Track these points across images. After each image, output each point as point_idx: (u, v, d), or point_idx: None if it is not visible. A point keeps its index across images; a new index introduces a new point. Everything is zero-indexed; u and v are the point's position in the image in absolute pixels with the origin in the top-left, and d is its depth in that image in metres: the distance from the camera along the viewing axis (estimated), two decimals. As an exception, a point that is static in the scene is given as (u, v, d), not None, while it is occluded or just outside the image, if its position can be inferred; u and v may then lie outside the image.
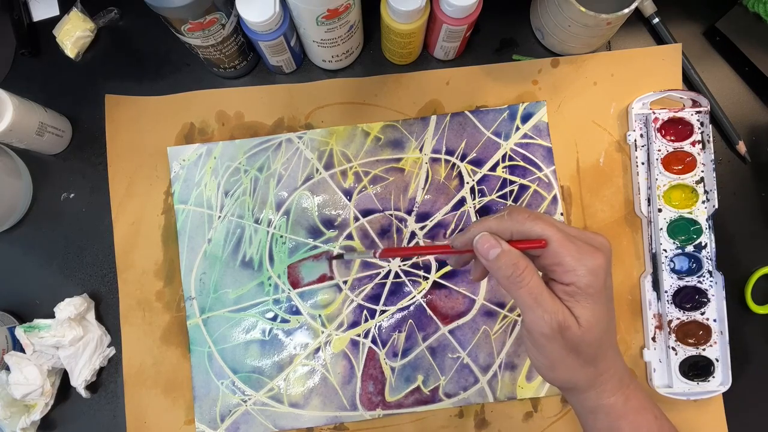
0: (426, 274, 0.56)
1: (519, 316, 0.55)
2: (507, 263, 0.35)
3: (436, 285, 0.56)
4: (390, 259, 0.56)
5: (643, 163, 0.56)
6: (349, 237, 0.56)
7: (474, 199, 0.57)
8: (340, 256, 0.43)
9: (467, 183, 0.57)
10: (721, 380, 0.53)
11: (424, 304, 0.56)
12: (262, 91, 0.58)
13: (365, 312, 0.56)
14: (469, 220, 0.57)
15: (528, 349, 0.38)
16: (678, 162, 0.55)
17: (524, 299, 0.35)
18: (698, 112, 0.55)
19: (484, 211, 0.57)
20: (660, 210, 0.54)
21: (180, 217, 0.57)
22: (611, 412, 0.37)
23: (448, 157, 0.57)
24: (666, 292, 0.54)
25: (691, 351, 0.53)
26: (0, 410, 0.52)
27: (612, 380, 0.37)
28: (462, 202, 0.57)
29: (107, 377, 0.56)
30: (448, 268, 0.56)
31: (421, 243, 0.56)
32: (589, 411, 0.38)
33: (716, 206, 0.54)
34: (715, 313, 0.53)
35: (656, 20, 0.58)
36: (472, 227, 0.37)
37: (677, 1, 0.59)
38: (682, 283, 0.54)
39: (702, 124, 0.55)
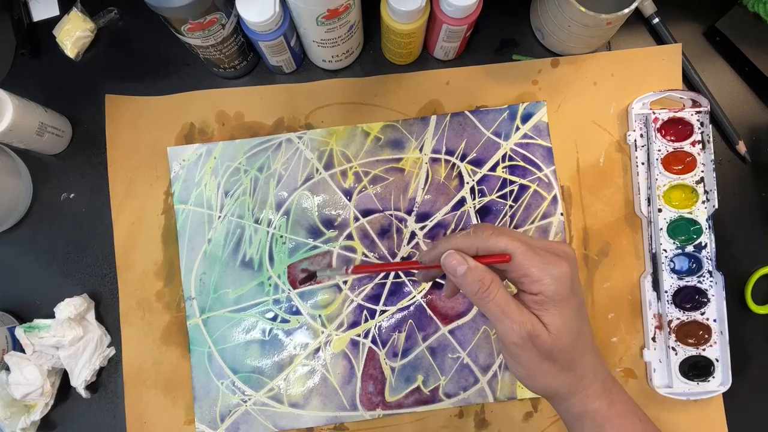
0: (426, 274, 0.56)
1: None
2: (473, 279, 0.36)
3: (436, 285, 0.56)
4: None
5: (643, 163, 0.56)
6: (349, 237, 0.56)
7: (474, 199, 0.57)
8: (311, 276, 0.44)
9: (467, 183, 0.57)
10: (721, 380, 0.53)
11: (424, 304, 0.56)
12: (262, 91, 0.58)
13: (365, 312, 0.56)
14: (469, 220, 0.57)
15: (507, 361, 0.39)
16: (678, 162, 0.55)
17: (492, 312, 0.36)
18: (698, 112, 0.55)
19: (484, 211, 0.57)
20: (660, 210, 0.54)
21: (180, 217, 0.57)
22: (596, 417, 0.38)
23: (448, 157, 0.57)
24: (666, 292, 0.54)
25: (691, 351, 0.53)
26: (0, 410, 0.52)
27: (594, 385, 0.38)
28: (462, 202, 0.57)
29: (107, 377, 0.56)
30: (448, 268, 0.56)
31: (421, 243, 0.56)
32: (575, 417, 0.39)
33: (716, 206, 0.54)
34: (715, 313, 0.53)
35: (656, 20, 0.58)
36: (440, 244, 0.38)
37: (677, 1, 0.59)
38: (682, 283, 0.54)
39: (702, 124, 0.55)
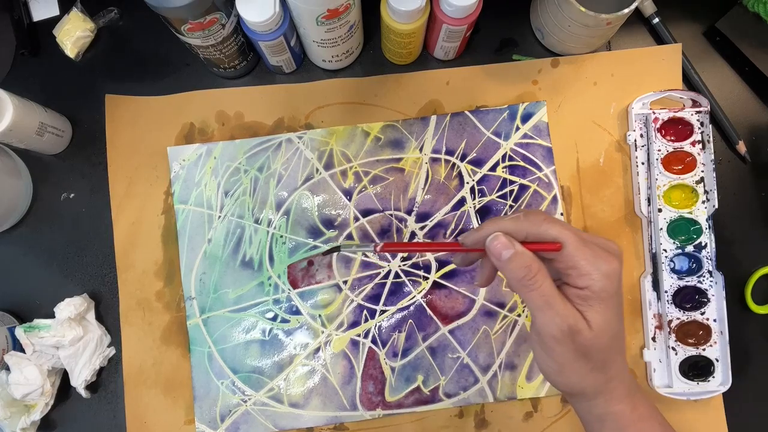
0: (426, 274, 0.56)
1: (518, 316, 0.55)
2: (519, 265, 0.35)
3: (436, 285, 0.56)
4: (389, 255, 0.56)
5: (643, 163, 0.56)
6: (349, 237, 0.56)
7: (474, 199, 0.57)
8: (336, 249, 0.42)
9: (467, 183, 0.57)
10: (721, 380, 0.53)
11: (424, 304, 0.56)
12: (262, 91, 0.58)
13: (365, 312, 0.56)
14: (469, 220, 0.57)
15: (536, 353, 0.38)
16: (678, 162, 0.55)
17: (536, 302, 0.35)
18: (698, 112, 0.55)
19: (484, 211, 0.57)
20: (660, 210, 0.54)
21: (180, 217, 0.57)
22: (619, 420, 0.37)
23: (448, 157, 0.57)
24: (666, 292, 0.54)
25: (691, 351, 0.53)
26: (0, 410, 0.52)
27: (620, 387, 0.37)
28: (462, 202, 0.57)
29: (107, 377, 0.56)
30: (448, 268, 0.56)
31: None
32: (596, 418, 0.38)
33: (716, 206, 0.54)
34: (715, 313, 0.53)
35: (656, 20, 0.58)
36: (485, 226, 0.37)
37: (677, 1, 0.59)
38: (682, 283, 0.54)
39: (702, 124, 0.55)
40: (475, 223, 0.56)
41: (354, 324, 0.56)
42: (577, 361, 0.36)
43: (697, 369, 0.53)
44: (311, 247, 0.56)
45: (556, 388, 0.40)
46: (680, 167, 0.55)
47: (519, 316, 0.55)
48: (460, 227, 0.56)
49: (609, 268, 0.35)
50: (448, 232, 0.56)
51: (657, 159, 0.55)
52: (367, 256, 0.56)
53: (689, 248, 0.54)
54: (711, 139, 0.54)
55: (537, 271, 0.35)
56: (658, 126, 0.55)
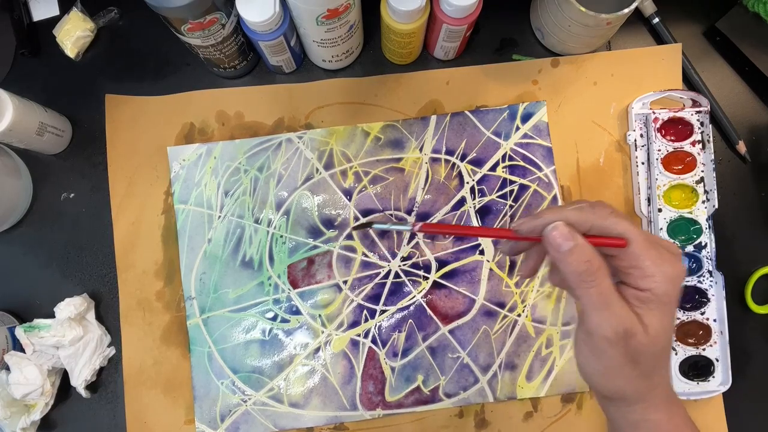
0: (426, 274, 0.56)
1: (518, 316, 0.55)
2: (580, 259, 0.33)
3: (436, 285, 0.56)
4: (389, 255, 0.56)
5: (643, 163, 0.56)
6: (349, 237, 0.56)
7: (474, 199, 0.57)
8: (367, 225, 0.39)
9: (467, 183, 0.57)
10: (721, 380, 0.53)
11: (424, 304, 0.56)
12: (262, 91, 0.58)
13: (365, 312, 0.56)
14: (469, 220, 0.56)
15: (581, 353, 0.36)
16: (678, 162, 0.55)
17: (593, 300, 0.33)
18: (698, 112, 0.55)
19: (484, 211, 0.57)
20: (660, 210, 0.54)
21: (180, 217, 0.57)
22: (654, 428, 0.36)
23: (448, 157, 0.57)
24: (666, 292, 0.54)
25: (691, 351, 0.53)
26: (0, 410, 0.52)
27: (661, 395, 0.36)
28: (462, 202, 0.57)
29: (107, 377, 0.56)
30: (448, 268, 0.56)
31: (421, 243, 0.56)
32: (630, 425, 0.36)
33: (716, 206, 0.54)
34: (715, 313, 0.53)
35: (656, 20, 0.58)
36: (544, 214, 0.35)
37: (677, 1, 0.59)
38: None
39: (702, 124, 0.55)
40: (475, 223, 0.56)
41: (354, 324, 0.56)
42: (625, 365, 0.34)
43: (697, 369, 0.53)
44: (311, 247, 0.56)
45: (595, 390, 0.38)
46: (680, 167, 0.55)
47: (519, 316, 0.55)
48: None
49: (674, 271, 0.33)
50: (448, 232, 0.56)
51: (657, 159, 0.55)
52: (366, 256, 0.56)
53: (689, 248, 0.54)
54: (711, 139, 0.54)
55: (598, 268, 0.33)
56: (658, 126, 0.55)
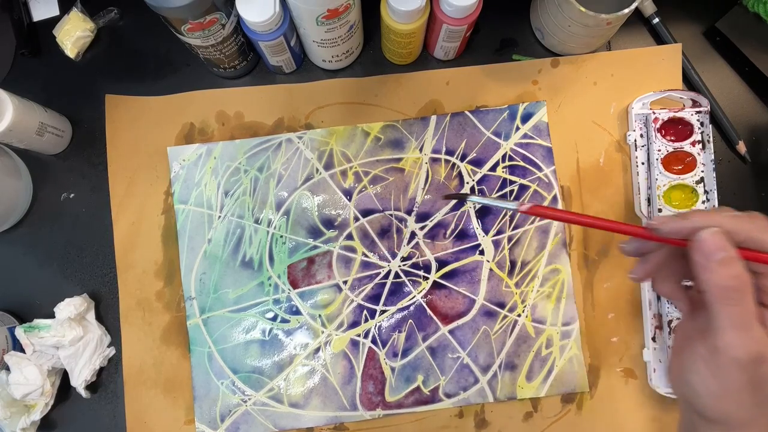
0: (426, 274, 0.56)
1: (518, 316, 0.55)
2: (731, 274, 0.31)
3: (436, 285, 0.56)
4: (388, 255, 0.56)
5: (643, 163, 0.56)
6: (349, 237, 0.56)
7: (474, 199, 0.57)
8: (462, 196, 0.35)
9: (467, 183, 0.57)
10: (721, 380, 0.53)
11: (424, 304, 0.56)
12: (262, 91, 0.58)
13: (365, 312, 0.56)
14: (469, 219, 0.56)
15: (694, 370, 0.33)
16: (678, 162, 0.55)
17: (733, 318, 0.31)
18: (698, 112, 0.55)
19: (484, 211, 0.56)
20: (660, 210, 0.54)
21: (180, 217, 0.57)
22: None
23: (448, 157, 0.57)
24: (666, 292, 0.54)
25: (691, 351, 0.53)
26: (0, 410, 0.52)
27: (765, 426, 0.33)
28: (462, 202, 0.57)
29: (107, 377, 0.56)
30: (448, 268, 0.56)
31: (421, 243, 0.56)
32: None
33: (716, 206, 0.54)
34: (715, 313, 0.53)
35: (656, 20, 0.58)
36: (694, 216, 0.32)
37: (677, 1, 0.59)
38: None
39: (702, 124, 0.55)
40: (475, 223, 0.56)
41: (354, 324, 0.56)
42: (745, 391, 0.32)
43: (697, 369, 0.53)
44: (311, 247, 0.56)
45: (698, 410, 0.35)
46: (680, 167, 0.55)
47: (519, 316, 0.55)
48: (460, 227, 0.56)
49: None
50: (448, 232, 0.56)
51: (657, 159, 0.55)
52: (366, 256, 0.56)
53: (689, 248, 0.54)
54: (711, 139, 0.54)
55: (746, 285, 0.31)
56: (658, 126, 0.55)
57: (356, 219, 0.57)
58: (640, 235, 0.34)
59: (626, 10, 0.49)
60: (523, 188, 0.57)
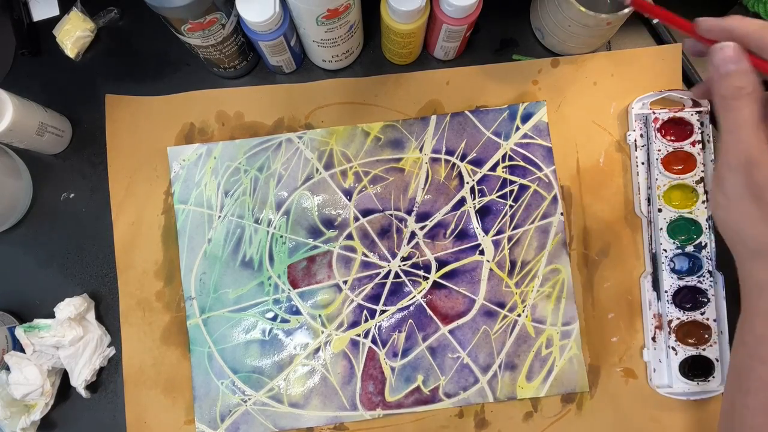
0: (426, 274, 0.56)
1: (518, 316, 0.55)
2: (733, 83, 0.32)
3: (436, 285, 0.56)
4: (388, 254, 0.56)
5: (643, 163, 0.56)
6: (349, 237, 0.56)
7: (474, 199, 0.57)
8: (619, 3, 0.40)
9: (467, 183, 0.57)
10: (721, 380, 0.53)
11: (424, 304, 0.56)
12: (262, 91, 0.58)
13: (365, 312, 0.56)
14: (469, 219, 0.56)
15: (712, 187, 0.35)
16: (678, 162, 0.55)
17: (727, 124, 0.33)
18: (698, 112, 0.55)
19: (484, 211, 0.57)
20: (660, 210, 0.54)
21: (180, 217, 0.57)
22: None
23: (448, 157, 0.57)
24: (666, 292, 0.54)
25: (691, 351, 0.53)
26: (0, 410, 0.52)
27: None
28: (462, 202, 0.57)
29: (107, 377, 0.56)
30: (448, 268, 0.56)
31: (421, 243, 0.56)
32: (756, 285, 0.33)
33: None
34: (715, 313, 0.53)
35: (656, 20, 0.58)
36: (731, 21, 0.34)
37: (677, 1, 0.59)
38: (682, 283, 0.54)
39: (702, 124, 0.55)
40: (475, 223, 0.56)
41: (354, 324, 0.56)
42: (746, 199, 0.32)
43: (697, 369, 0.53)
44: (311, 247, 0.56)
45: (720, 229, 0.36)
46: (680, 167, 0.55)
47: (519, 316, 0.55)
48: (460, 227, 0.56)
49: None
50: (448, 232, 0.56)
51: (657, 159, 0.55)
52: (366, 256, 0.56)
53: (689, 248, 0.54)
54: (711, 139, 0.54)
55: (748, 93, 0.32)
56: (658, 126, 0.55)
57: (356, 219, 0.57)
58: (682, 28, 0.37)
59: (626, 10, 0.49)
60: (523, 188, 0.57)
